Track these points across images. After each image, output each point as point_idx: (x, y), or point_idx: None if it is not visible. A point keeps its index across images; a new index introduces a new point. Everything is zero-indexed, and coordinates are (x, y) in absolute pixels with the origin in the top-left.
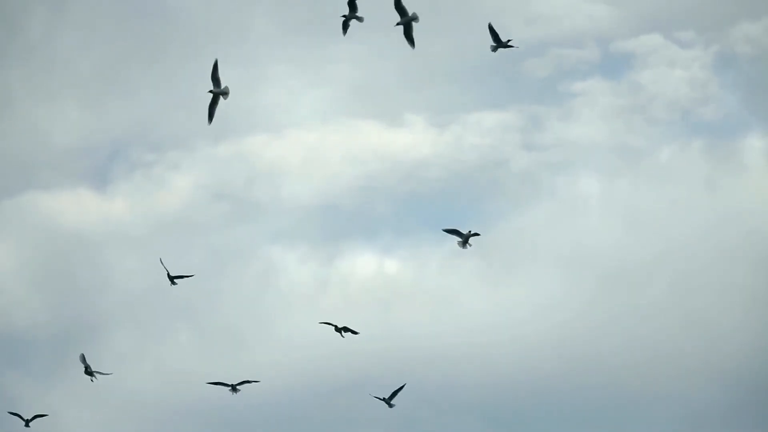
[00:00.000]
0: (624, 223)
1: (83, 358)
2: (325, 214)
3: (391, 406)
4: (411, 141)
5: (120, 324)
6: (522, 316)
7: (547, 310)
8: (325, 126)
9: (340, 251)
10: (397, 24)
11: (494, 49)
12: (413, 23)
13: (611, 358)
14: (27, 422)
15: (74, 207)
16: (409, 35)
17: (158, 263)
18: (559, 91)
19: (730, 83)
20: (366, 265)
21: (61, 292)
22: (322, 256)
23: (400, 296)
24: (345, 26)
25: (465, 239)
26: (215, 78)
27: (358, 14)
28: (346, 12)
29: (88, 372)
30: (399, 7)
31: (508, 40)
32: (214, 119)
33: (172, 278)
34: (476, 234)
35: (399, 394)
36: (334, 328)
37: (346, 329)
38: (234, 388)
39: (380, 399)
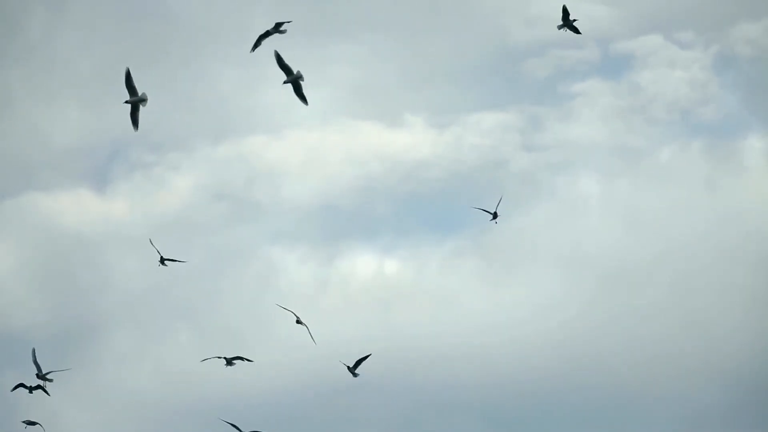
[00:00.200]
0: (624, 223)
1: (34, 356)
2: (325, 214)
3: (355, 375)
4: (411, 141)
5: (120, 324)
6: (522, 316)
7: (547, 311)
8: (325, 126)
9: (340, 251)
10: (284, 83)
11: (561, 27)
12: (300, 82)
13: (611, 359)
14: (30, 389)
15: (74, 207)
16: (299, 93)
17: (157, 263)
18: (559, 91)
19: (730, 84)
20: (366, 266)
21: (61, 293)
22: (322, 257)
23: (400, 296)
24: (258, 43)
25: (494, 215)
26: (130, 87)
27: (282, 28)
28: (273, 28)
29: (41, 376)
30: (282, 66)
31: (574, 20)
32: (144, 125)
33: (163, 260)
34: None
35: (363, 363)
36: (295, 319)
37: (300, 322)
38: (229, 361)
39: (345, 366)
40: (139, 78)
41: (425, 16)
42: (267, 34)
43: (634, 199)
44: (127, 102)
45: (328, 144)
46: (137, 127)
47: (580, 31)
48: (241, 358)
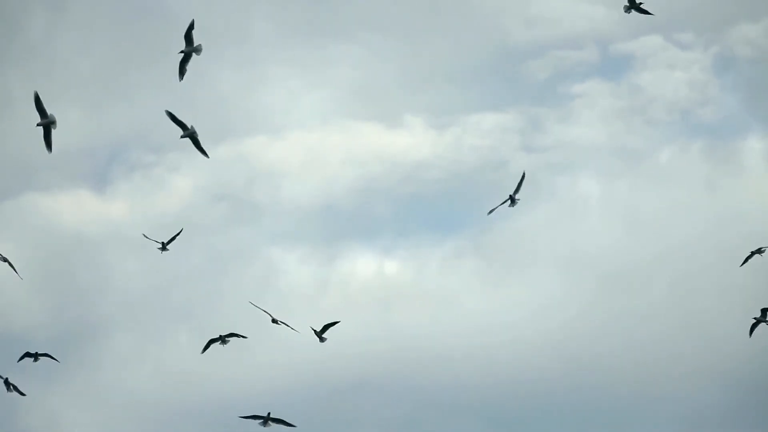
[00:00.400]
0: (624, 224)
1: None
2: (325, 215)
3: (322, 340)
4: (411, 142)
5: (120, 325)
6: (522, 316)
7: (547, 311)
8: (325, 127)
9: (340, 252)
10: (181, 137)
11: (627, 9)
12: (196, 137)
13: (611, 359)
14: (36, 357)
15: (74, 208)
16: (199, 147)
17: (158, 264)
18: (559, 92)
19: (729, 85)
20: (366, 266)
21: (61, 294)
22: (322, 257)
23: (400, 297)
24: (183, 66)
25: (511, 200)
26: (41, 110)
27: (195, 46)
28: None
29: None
30: (176, 122)
31: (641, 2)
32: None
33: (164, 245)
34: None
35: (332, 329)
36: (270, 318)
37: (276, 321)
38: (223, 339)
39: (312, 330)
40: (139, 78)
41: (425, 17)
42: (186, 58)
43: (634, 199)
44: (38, 124)
45: (328, 144)
46: (50, 149)
47: (652, 12)
48: (236, 335)
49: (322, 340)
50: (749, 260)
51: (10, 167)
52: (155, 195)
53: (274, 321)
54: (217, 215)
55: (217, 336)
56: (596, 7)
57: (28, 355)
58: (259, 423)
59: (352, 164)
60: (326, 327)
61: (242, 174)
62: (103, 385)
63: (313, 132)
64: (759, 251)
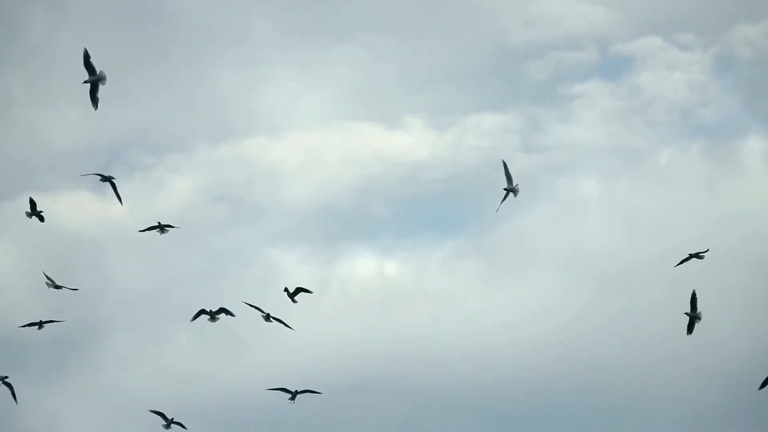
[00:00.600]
0: (624, 224)
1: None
2: (324, 215)
3: (294, 302)
4: (410, 143)
5: (120, 326)
6: (522, 317)
7: (547, 312)
8: (324, 128)
9: (340, 253)
10: (84, 82)
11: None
12: (100, 84)
13: (611, 360)
14: (40, 325)
15: (74, 209)
16: (93, 96)
17: (158, 264)
18: (559, 93)
19: (729, 85)
20: (366, 267)
21: (61, 294)
22: (322, 258)
23: (400, 298)
24: (93, 95)
25: (514, 191)
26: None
27: (98, 73)
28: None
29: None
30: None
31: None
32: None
33: (162, 228)
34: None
35: (303, 294)
36: (263, 316)
37: (269, 319)
38: (213, 316)
39: (285, 290)
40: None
41: (425, 17)
42: (94, 87)
43: (634, 200)
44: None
45: (327, 145)
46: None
47: None
48: (225, 311)
49: (294, 302)
50: (685, 263)
51: (10, 168)
52: (155, 196)
53: (267, 318)
54: (217, 216)
55: (208, 310)
56: (596, 7)
57: (32, 323)
58: (289, 399)
59: (351, 165)
60: (299, 290)
61: (242, 174)
62: (103, 385)
63: (312, 132)
64: (698, 255)
